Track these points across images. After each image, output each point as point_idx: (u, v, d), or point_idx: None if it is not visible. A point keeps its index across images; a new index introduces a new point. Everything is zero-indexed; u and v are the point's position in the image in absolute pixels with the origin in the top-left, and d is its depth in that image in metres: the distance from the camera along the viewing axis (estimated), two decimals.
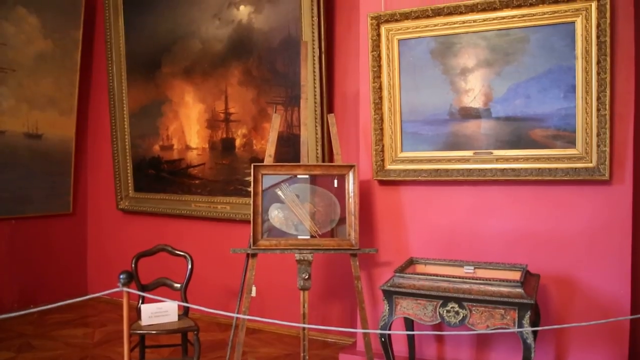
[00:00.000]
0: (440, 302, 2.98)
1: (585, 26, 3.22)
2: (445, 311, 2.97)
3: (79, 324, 4.88)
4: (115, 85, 5.39)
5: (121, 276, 2.47)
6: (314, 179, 3.54)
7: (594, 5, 3.18)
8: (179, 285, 3.73)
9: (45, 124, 5.28)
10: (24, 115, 5.09)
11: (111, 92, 5.43)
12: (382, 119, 3.79)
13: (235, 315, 3.40)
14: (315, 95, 4.24)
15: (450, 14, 3.55)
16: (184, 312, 3.67)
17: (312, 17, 4.28)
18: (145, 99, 5.30)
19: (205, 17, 4.84)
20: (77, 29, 5.44)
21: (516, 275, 3.11)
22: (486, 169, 3.52)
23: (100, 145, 5.74)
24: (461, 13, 3.52)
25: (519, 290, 2.83)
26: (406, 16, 3.67)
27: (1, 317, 2.92)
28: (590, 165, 3.25)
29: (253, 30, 4.62)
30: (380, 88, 3.77)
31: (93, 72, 5.81)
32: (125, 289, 2.46)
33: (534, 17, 3.36)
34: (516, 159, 3.44)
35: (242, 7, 4.66)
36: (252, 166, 3.48)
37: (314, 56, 4.25)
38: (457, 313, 2.95)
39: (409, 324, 3.46)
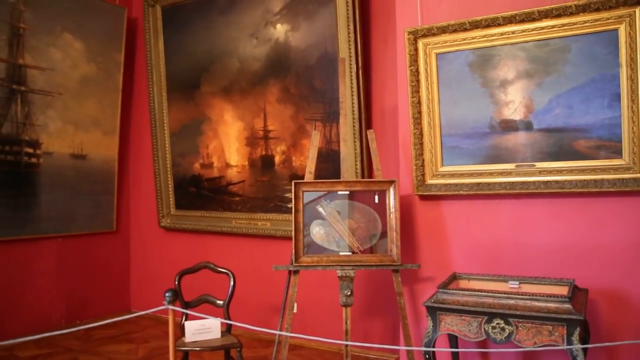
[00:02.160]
0: (486, 318, 2.92)
1: (630, 33, 3.15)
2: (490, 327, 2.91)
3: (123, 339, 4.96)
4: (156, 105, 5.52)
5: (167, 294, 2.51)
6: (354, 195, 3.54)
7: (638, 11, 3.11)
8: (221, 302, 3.76)
9: (89, 145, 5.43)
10: (69, 137, 5.25)
11: (152, 112, 5.55)
12: (421, 134, 3.77)
13: (277, 332, 3.40)
14: (353, 111, 4.25)
15: (488, 26, 3.52)
16: (227, 329, 3.69)
17: (349, 33, 4.30)
18: (185, 118, 5.41)
19: (242, 36, 4.92)
20: (119, 52, 5.60)
21: (563, 290, 3.03)
22: (529, 182, 3.45)
23: (142, 164, 5.87)
24: (499, 25, 3.49)
25: (567, 305, 2.75)
26: (443, 30, 3.66)
27: (52, 333, 3.00)
28: (638, 175, 3.16)
29: (290, 48, 4.67)
30: (419, 102, 3.76)
31: (134, 93, 5.96)
32: (170, 306, 2.50)
33: (575, 26, 3.30)
34: (560, 171, 3.37)
35: (278, 26, 4.72)
36: (292, 183, 3.50)
37: (351, 72, 4.26)
38: (503, 329, 2.89)
39: (453, 340, 3.41)
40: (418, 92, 3.77)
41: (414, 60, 3.77)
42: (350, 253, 3.49)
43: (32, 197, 4.99)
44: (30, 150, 4.96)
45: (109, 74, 5.53)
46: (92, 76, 5.38)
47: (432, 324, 3.10)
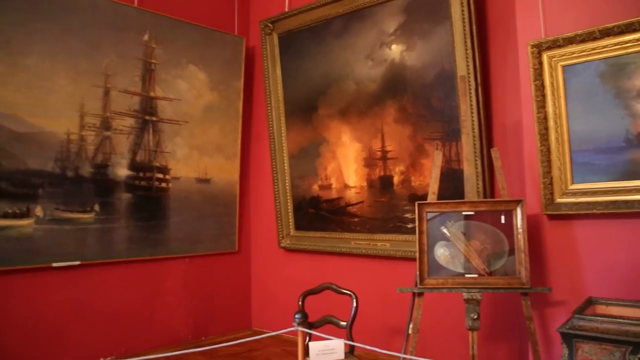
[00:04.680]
0: (630, 348, 2.71)
1: None
2: (637, 359, 2.70)
3: (246, 357, 5.10)
4: (275, 129, 5.69)
5: (296, 316, 2.56)
6: (479, 215, 3.44)
7: None
8: (344, 323, 3.78)
9: (213, 169, 5.70)
10: (195, 162, 5.55)
11: (271, 136, 5.73)
12: (549, 150, 3.60)
13: (402, 355, 3.36)
14: (473, 129, 4.14)
15: (621, 33, 3.31)
16: (350, 350, 3.70)
17: (466, 50, 4.21)
18: (303, 141, 5.54)
19: (358, 58, 4.98)
20: (239, 80, 5.87)
21: None
22: None
23: (262, 186, 6.07)
24: (635, 30, 3.27)
25: None
26: (570, 41, 3.49)
27: (183, 351, 3.16)
28: None
29: (406, 67, 4.66)
30: (546, 118, 3.60)
31: (253, 119, 6.19)
32: (300, 328, 2.55)
33: None
34: None
35: (393, 46, 4.73)
36: (416, 204, 3.47)
37: (470, 89, 4.16)
38: None
39: None
40: (544, 107, 3.61)
41: (539, 74, 3.62)
42: (476, 275, 3.39)
43: (163, 220, 5.30)
44: (161, 176, 5.28)
45: (230, 101, 5.81)
46: (214, 104, 5.68)
47: (567, 351, 2.92)
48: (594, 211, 3.44)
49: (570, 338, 2.91)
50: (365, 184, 5.04)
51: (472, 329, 3.32)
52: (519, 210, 3.37)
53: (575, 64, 3.53)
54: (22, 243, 4.28)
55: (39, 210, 4.39)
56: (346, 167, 5.19)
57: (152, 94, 5.16)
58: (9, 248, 4.21)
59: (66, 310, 4.58)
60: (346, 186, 5.19)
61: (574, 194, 3.53)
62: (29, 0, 4.29)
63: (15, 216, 4.25)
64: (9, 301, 4.26)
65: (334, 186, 5.30)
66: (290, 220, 5.70)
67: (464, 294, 3.32)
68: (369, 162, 4.99)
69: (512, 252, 3.38)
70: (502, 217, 3.40)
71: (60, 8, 4.46)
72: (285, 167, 5.68)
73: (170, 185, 5.35)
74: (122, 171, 4.96)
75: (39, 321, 4.42)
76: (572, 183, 3.55)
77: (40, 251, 4.39)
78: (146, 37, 5.07)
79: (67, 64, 4.53)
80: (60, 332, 4.54)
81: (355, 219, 5.10)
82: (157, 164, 5.24)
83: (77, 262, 4.61)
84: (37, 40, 4.35)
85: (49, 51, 4.42)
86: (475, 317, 3.30)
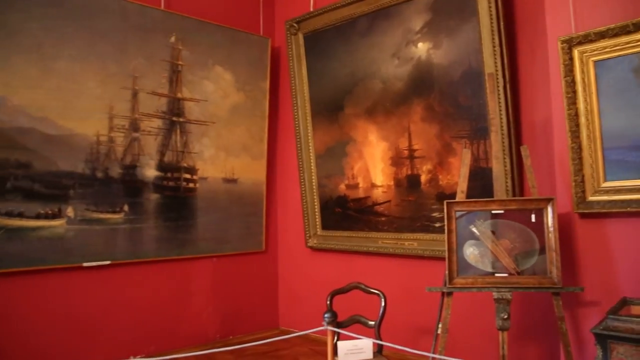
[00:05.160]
0: None
1: None
2: None
3: (273, 356, 5.10)
4: (301, 129, 5.70)
5: (326, 315, 2.56)
6: (509, 214, 3.40)
7: None
8: (372, 323, 3.76)
9: (239, 169, 5.73)
10: (222, 162, 5.58)
11: (297, 136, 5.74)
12: (580, 148, 3.53)
13: (431, 354, 3.34)
14: (502, 127, 4.09)
15: None
16: (378, 350, 3.68)
17: (494, 47, 4.16)
18: (329, 140, 5.54)
19: (384, 57, 4.95)
20: (265, 80, 5.89)
21: None
22: None
23: (288, 186, 6.08)
24: None
25: None
26: (602, 35, 3.42)
27: (211, 350, 3.18)
28: None
29: (433, 65, 4.62)
30: (577, 115, 3.54)
31: (280, 119, 6.21)
32: (329, 327, 2.54)
33: None
34: None
35: (420, 44, 4.70)
36: (445, 203, 3.43)
37: (498, 87, 4.11)
38: None
39: None
40: (575, 103, 3.55)
41: (569, 70, 3.56)
42: (506, 274, 3.35)
43: (190, 220, 5.35)
44: (188, 176, 5.33)
45: (256, 101, 5.83)
46: (241, 105, 5.71)
47: (601, 353, 2.86)
48: (628, 209, 3.36)
49: (604, 339, 2.85)
50: (392, 183, 5.01)
51: (502, 329, 3.28)
52: (549, 209, 3.32)
53: (608, 58, 3.45)
54: (54, 243, 4.37)
55: (70, 211, 4.47)
56: (373, 166, 5.17)
57: (179, 95, 5.21)
58: (41, 248, 4.29)
59: (97, 309, 4.65)
60: (373, 185, 5.17)
61: (607, 191, 3.46)
62: (60, 5, 4.37)
63: (47, 217, 4.33)
64: (42, 300, 4.35)
65: (360, 185, 5.29)
66: (317, 220, 5.70)
67: (494, 293, 3.28)
68: (396, 161, 4.96)
69: (542, 251, 3.32)
70: (533, 216, 3.35)
71: (89, 12, 4.54)
72: (312, 167, 5.68)
73: (197, 185, 5.40)
74: (151, 172, 5.02)
75: (71, 320, 4.50)
76: (605, 181, 3.48)
77: (72, 251, 4.47)
78: (173, 39, 5.12)
79: (96, 67, 4.60)
80: (92, 331, 4.61)
81: (383, 218, 5.08)
82: (185, 165, 5.29)
83: (107, 262, 4.68)
84: (67, 44, 4.42)
85: (79, 55, 4.49)
86: (506, 316, 3.26)
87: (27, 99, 4.21)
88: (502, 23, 4.14)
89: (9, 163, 4.16)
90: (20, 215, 4.20)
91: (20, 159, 4.21)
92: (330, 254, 5.63)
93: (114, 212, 4.76)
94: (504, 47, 4.15)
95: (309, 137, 5.68)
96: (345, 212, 5.44)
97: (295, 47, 5.68)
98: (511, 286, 3.29)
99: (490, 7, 4.12)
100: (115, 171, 4.76)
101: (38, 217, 4.28)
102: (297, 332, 5.48)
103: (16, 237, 4.17)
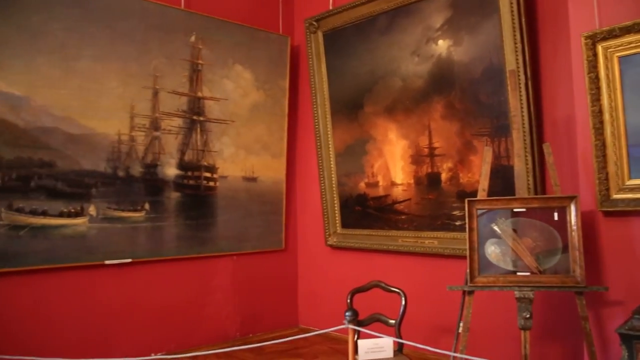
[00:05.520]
0: None
1: None
2: None
3: (293, 354, 5.11)
4: (321, 127, 5.70)
5: (347, 314, 2.55)
6: (531, 212, 3.36)
7: None
8: (393, 322, 3.75)
9: (259, 167, 5.75)
10: (241, 161, 5.61)
11: (317, 134, 5.74)
12: (604, 145, 3.47)
13: (452, 353, 3.32)
14: (524, 124, 4.04)
15: None
16: (399, 348, 3.67)
17: (515, 43, 4.12)
18: (349, 138, 5.53)
19: (404, 55, 4.93)
20: (284, 79, 5.90)
21: None
22: None
23: (308, 184, 6.09)
24: None
25: None
26: (627, 30, 3.36)
27: (231, 348, 3.18)
28: None
29: (453, 63, 4.59)
30: (601, 111, 3.48)
31: (299, 117, 6.22)
32: (350, 326, 2.54)
33: None
34: None
35: (440, 42, 4.67)
36: (466, 201, 3.41)
37: (519, 84, 4.06)
38: None
39: None
40: (599, 100, 3.49)
41: (593, 66, 3.51)
42: (528, 273, 3.31)
43: (211, 218, 5.37)
44: (209, 175, 5.36)
45: (275, 100, 5.85)
46: (260, 103, 5.72)
47: (627, 353, 2.83)
48: None
49: (630, 339, 2.81)
50: (412, 181, 4.99)
51: (524, 328, 3.25)
52: (572, 207, 3.28)
53: (633, 54, 3.39)
54: (76, 241, 4.42)
55: (92, 209, 4.52)
56: (393, 164, 5.15)
57: (199, 94, 5.24)
58: (64, 246, 4.35)
59: (118, 307, 4.70)
60: (393, 183, 5.15)
61: (632, 189, 3.40)
62: (82, 6, 4.42)
63: (70, 215, 4.39)
64: (64, 297, 4.40)
65: (380, 184, 5.27)
66: (337, 218, 5.69)
67: (515, 292, 3.25)
68: (416, 159, 4.94)
69: (565, 249, 3.29)
70: (555, 214, 3.31)
71: (111, 13, 4.58)
72: (332, 165, 5.68)
73: (217, 184, 5.43)
74: (171, 170, 5.05)
75: (93, 316, 4.55)
76: (630, 178, 3.42)
77: (94, 249, 4.52)
78: (193, 38, 5.15)
79: (118, 67, 4.64)
80: (113, 328, 4.66)
81: (403, 217, 5.06)
82: (205, 163, 5.32)
83: (128, 260, 4.72)
84: (89, 44, 4.47)
85: (101, 55, 4.54)
86: (528, 316, 3.22)
87: (50, 99, 4.27)
88: (523, 19, 4.09)
89: (33, 162, 4.22)
90: (44, 213, 4.26)
91: (44, 158, 4.27)
92: (349, 252, 5.63)
93: (135, 210, 4.81)
94: (525, 43, 4.10)
95: (329, 136, 5.67)
96: (365, 211, 5.42)
97: (314, 45, 5.68)
98: (533, 285, 3.26)
99: (511, 3, 4.08)
100: (137, 170, 4.81)
101: (61, 215, 4.34)
102: (316, 330, 5.49)
103: (40, 235, 4.23)
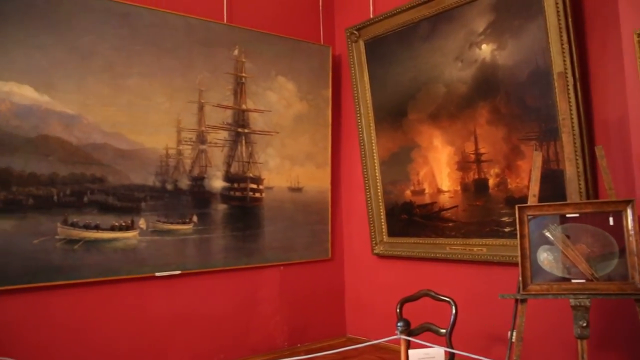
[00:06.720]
0: None
1: None
2: None
3: None
4: (365, 136, 5.69)
5: (399, 324, 2.53)
6: (584, 218, 3.26)
7: None
8: (444, 331, 3.69)
9: (304, 178, 5.77)
10: (287, 171, 5.65)
11: (361, 143, 5.73)
12: None
13: None
14: (574, 127, 3.93)
15: None
16: (450, 359, 3.61)
17: (562, 44, 4.02)
18: (393, 146, 5.49)
19: (447, 61, 4.88)
20: (327, 88, 5.92)
21: None
22: None
23: (353, 193, 6.07)
24: None
25: None
26: None
27: (280, 359, 3.19)
28: None
29: (497, 67, 4.51)
30: None
31: (342, 126, 6.22)
32: (403, 336, 2.51)
33: None
34: None
35: (483, 46, 4.61)
36: (516, 208, 3.34)
37: (568, 86, 3.95)
38: None
39: None
40: None
41: None
42: (583, 280, 3.21)
43: (257, 229, 5.42)
44: (254, 186, 5.41)
45: (318, 110, 5.87)
46: (304, 114, 5.76)
47: None
48: None
49: None
50: (459, 188, 4.92)
51: (581, 338, 3.15)
52: (629, 211, 3.17)
53: None
54: (127, 254, 4.52)
55: (142, 223, 4.62)
56: (439, 171, 5.09)
57: (243, 106, 5.30)
58: (116, 259, 4.46)
59: (168, 318, 4.78)
60: (439, 191, 5.09)
61: None
62: (129, 25, 4.54)
63: (121, 229, 4.50)
64: (117, 309, 4.50)
65: (426, 191, 5.22)
66: (383, 227, 5.65)
67: (571, 300, 3.15)
68: (462, 165, 4.87)
69: (622, 255, 3.18)
70: (611, 219, 3.21)
71: (157, 30, 4.69)
72: (377, 174, 5.65)
73: (263, 195, 5.47)
74: (218, 183, 5.12)
75: (143, 328, 4.64)
76: None
77: (144, 261, 4.61)
78: (236, 51, 5.22)
79: (164, 83, 4.75)
80: (163, 339, 4.73)
81: (450, 224, 4.99)
82: (251, 175, 5.37)
83: (178, 272, 4.80)
84: (136, 62, 4.59)
85: (147, 71, 4.65)
86: (585, 324, 3.12)
87: (100, 116, 4.40)
88: (570, 19, 3.99)
89: (86, 178, 4.35)
90: (97, 227, 4.38)
91: (96, 174, 4.40)
92: (396, 260, 5.57)
93: (184, 223, 4.89)
94: (572, 44, 4.00)
95: (373, 144, 5.65)
96: (411, 219, 5.37)
97: (356, 54, 5.68)
98: (589, 292, 3.15)
99: (557, 3, 3.99)
100: (184, 183, 4.89)
101: (113, 229, 4.45)
102: (365, 340, 5.47)
103: (93, 248, 4.34)
